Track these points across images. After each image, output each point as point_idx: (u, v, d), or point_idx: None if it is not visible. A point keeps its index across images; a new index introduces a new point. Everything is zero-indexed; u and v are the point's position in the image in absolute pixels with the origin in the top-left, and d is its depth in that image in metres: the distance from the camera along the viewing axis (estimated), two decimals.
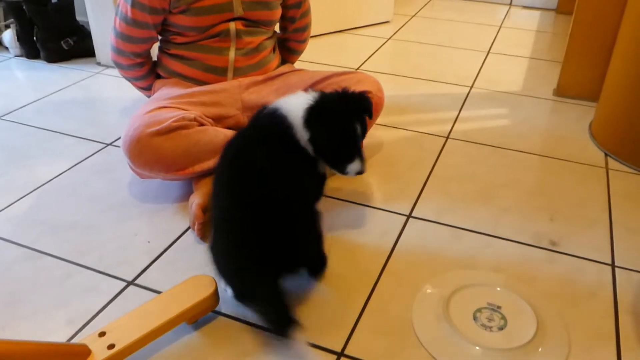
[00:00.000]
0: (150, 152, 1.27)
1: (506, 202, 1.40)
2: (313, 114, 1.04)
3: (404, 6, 3.06)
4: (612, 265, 1.20)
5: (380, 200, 1.40)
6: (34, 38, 2.22)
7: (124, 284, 1.12)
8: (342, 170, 1.10)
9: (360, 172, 1.10)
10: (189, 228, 1.28)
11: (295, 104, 1.06)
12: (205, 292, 1.00)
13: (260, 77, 1.53)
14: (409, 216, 1.34)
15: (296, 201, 1.02)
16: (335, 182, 1.46)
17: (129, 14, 1.40)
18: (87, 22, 2.18)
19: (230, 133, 1.40)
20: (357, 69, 2.21)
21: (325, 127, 1.04)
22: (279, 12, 1.53)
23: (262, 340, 1.00)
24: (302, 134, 1.04)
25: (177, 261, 1.19)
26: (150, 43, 1.49)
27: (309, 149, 1.06)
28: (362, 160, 1.10)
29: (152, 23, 1.42)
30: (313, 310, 1.06)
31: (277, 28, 1.64)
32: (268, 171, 0.99)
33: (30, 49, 2.25)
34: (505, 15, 2.97)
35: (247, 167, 1.00)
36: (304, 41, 1.71)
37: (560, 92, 2.01)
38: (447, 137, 1.71)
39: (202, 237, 1.24)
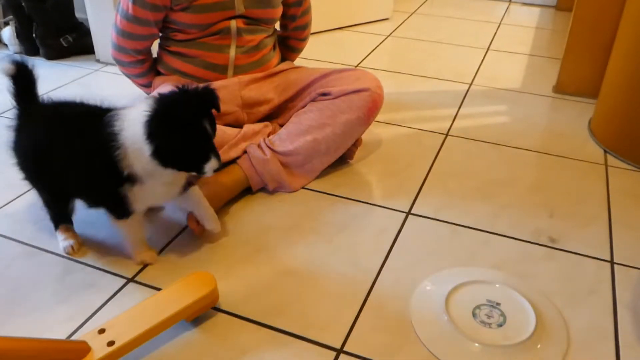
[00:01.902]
0: None
1: (505, 199, 1.40)
2: (154, 126, 0.98)
3: (403, 3, 3.06)
4: (611, 262, 1.20)
5: (379, 197, 1.40)
6: (33, 35, 2.21)
7: (124, 280, 1.13)
8: (200, 172, 1.05)
9: (218, 169, 1.06)
10: (187, 225, 1.28)
11: (132, 120, 1.00)
12: (205, 289, 1.01)
13: (260, 74, 1.53)
14: (408, 213, 1.34)
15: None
16: (334, 180, 1.46)
17: (130, 10, 1.40)
18: (86, 19, 2.18)
19: (229, 130, 1.41)
20: (357, 66, 2.21)
21: (171, 137, 0.99)
22: (280, 10, 1.53)
23: (261, 337, 1.00)
24: (141, 151, 0.99)
25: (177, 258, 1.19)
26: (151, 40, 1.49)
27: (142, 165, 1.01)
28: (217, 156, 1.05)
29: (153, 20, 1.42)
30: (312, 307, 1.07)
31: (277, 26, 1.64)
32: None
33: (30, 46, 2.25)
34: (505, 12, 2.97)
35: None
36: (304, 39, 1.71)
37: (560, 89, 2.01)
38: (447, 134, 1.71)
39: (200, 234, 1.24)
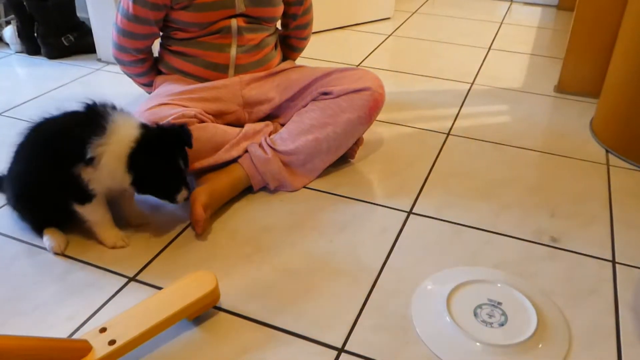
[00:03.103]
0: None
1: (507, 198, 1.40)
2: (136, 161, 1.10)
3: (404, 3, 3.06)
4: (613, 262, 1.20)
5: (381, 196, 1.40)
6: (35, 34, 2.21)
7: (125, 280, 1.13)
8: (172, 201, 1.19)
9: (187, 198, 1.20)
10: (189, 224, 1.28)
11: (122, 134, 1.10)
12: (206, 288, 1.00)
13: (261, 73, 1.53)
14: (410, 212, 1.34)
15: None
16: (336, 179, 1.46)
17: (130, 10, 1.40)
18: (88, 19, 2.18)
19: (230, 129, 1.41)
20: (358, 65, 2.21)
21: (151, 174, 1.13)
22: (281, 9, 1.53)
23: (262, 336, 1.00)
24: (118, 163, 1.10)
25: (178, 257, 1.19)
26: (151, 39, 1.49)
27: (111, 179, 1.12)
28: (188, 186, 1.19)
29: (154, 19, 1.42)
30: (313, 306, 1.07)
31: (278, 25, 1.64)
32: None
33: (31, 45, 2.25)
34: (507, 12, 2.97)
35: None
36: (305, 38, 1.71)
37: (561, 88, 2.00)
38: (448, 134, 1.71)
39: (202, 233, 1.24)
